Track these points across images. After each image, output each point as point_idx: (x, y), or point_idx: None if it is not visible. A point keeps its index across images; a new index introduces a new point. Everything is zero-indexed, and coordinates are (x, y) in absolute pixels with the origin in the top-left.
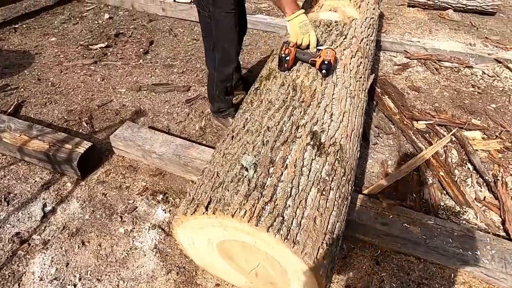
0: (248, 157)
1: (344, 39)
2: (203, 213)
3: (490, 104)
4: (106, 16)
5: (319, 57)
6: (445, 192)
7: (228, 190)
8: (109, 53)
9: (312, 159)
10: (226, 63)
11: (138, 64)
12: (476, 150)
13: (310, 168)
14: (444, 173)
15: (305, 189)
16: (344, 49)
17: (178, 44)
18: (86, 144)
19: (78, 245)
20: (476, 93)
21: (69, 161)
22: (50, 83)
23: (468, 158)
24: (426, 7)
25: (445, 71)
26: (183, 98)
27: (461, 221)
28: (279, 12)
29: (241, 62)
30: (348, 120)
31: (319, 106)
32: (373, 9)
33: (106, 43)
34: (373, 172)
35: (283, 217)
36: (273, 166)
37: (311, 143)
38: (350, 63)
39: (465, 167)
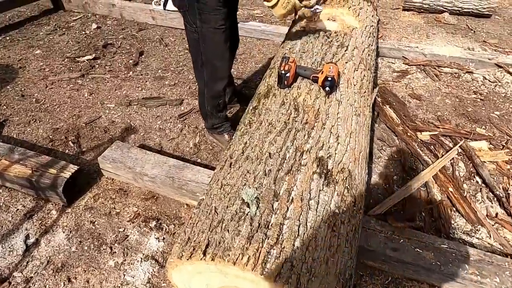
0: (249, 190)
1: (345, 51)
2: (201, 259)
3: (494, 112)
4: (94, 26)
5: (322, 73)
6: (455, 209)
7: (228, 230)
8: (97, 66)
9: (320, 190)
10: (217, 80)
11: (127, 76)
12: (484, 162)
13: (318, 201)
14: (453, 188)
15: (314, 226)
16: (346, 62)
17: (169, 54)
18: (72, 168)
19: (64, 282)
20: (478, 100)
21: (54, 187)
22: (34, 100)
23: (476, 170)
24: (422, 10)
25: (445, 77)
26: (175, 113)
27: (473, 241)
28: (272, 19)
29: (234, 72)
30: (356, 141)
31: (324, 128)
32: (372, 16)
33: (93, 55)
34: (378, 189)
35: (292, 263)
36: (277, 201)
37: (318, 171)
38: (353, 77)
39: (473, 180)
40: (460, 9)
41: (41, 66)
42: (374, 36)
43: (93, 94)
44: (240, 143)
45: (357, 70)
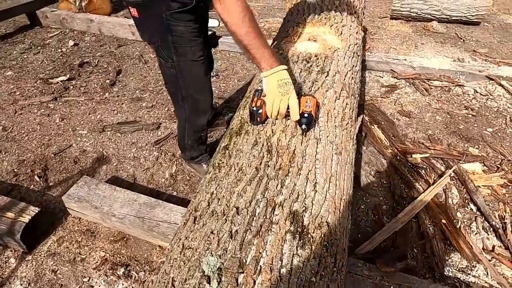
0: (211, 259)
1: (326, 77)
2: None
3: (486, 128)
4: (71, 43)
5: None
6: (449, 242)
7: None
8: (72, 87)
9: (294, 254)
10: (200, 114)
11: (103, 98)
12: (478, 186)
13: (291, 269)
14: (446, 220)
15: None
16: (326, 91)
17: (148, 72)
18: (33, 211)
19: None
20: (470, 115)
21: (12, 234)
22: (1, 127)
23: (470, 197)
24: (410, 19)
25: (435, 91)
26: (152, 138)
27: (470, 279)
28: None
29: (216, 91)
30: (336, 186)
31: (300, 174)
32: (356, 33)
33: (68, 75)
34: (366, 220)
35: None
36: (243, 272)
37: (292, 229)
38: (334, 108)
39: (467, 208)
40: (448, 17)
41: (12, 89)
42: (359, 55)
43: (64, 120)
44: (207, 192)
45: (338, 99)
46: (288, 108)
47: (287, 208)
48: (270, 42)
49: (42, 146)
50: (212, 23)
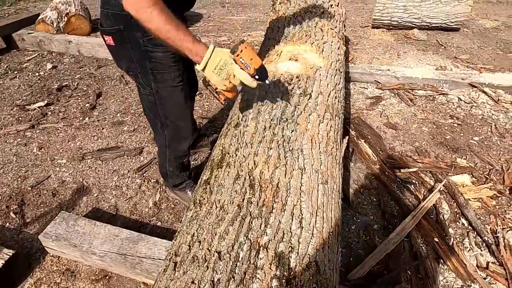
0: None
1: (308, 99)
2: None
3: (473, 137)
4: (49, 65)
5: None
6: (443, 261)
7: None
8: (50, 113)
9: None
10: (181, 140)
11: (82, 124)
12: (468, 199)
13: None
14: (438, 238)
15: None
16: (309, 114)
17: (129, 93)
18: (6, 254)
19: None
20: (456, 124)
21: None
22: None
23: (461, 211)
24: (391, 27)
25: (420, 100)
26: (134, 165)
27: None
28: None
29: (199, 111)
30: (323, 219)
31: (285, 210)
32: (338, 48)
33: (46, 101)
34: (358, 242)
35: None
36: None
37: (278, 274)
38: (318, 133)
39: (459, 222)
40: (428, 24)
41: None
42: (341, 72)
43: (42, 149)
44: (188, 233)
45: (322, 122)
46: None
47: (272, 250)
48: None
49: (19, 179)
50: None
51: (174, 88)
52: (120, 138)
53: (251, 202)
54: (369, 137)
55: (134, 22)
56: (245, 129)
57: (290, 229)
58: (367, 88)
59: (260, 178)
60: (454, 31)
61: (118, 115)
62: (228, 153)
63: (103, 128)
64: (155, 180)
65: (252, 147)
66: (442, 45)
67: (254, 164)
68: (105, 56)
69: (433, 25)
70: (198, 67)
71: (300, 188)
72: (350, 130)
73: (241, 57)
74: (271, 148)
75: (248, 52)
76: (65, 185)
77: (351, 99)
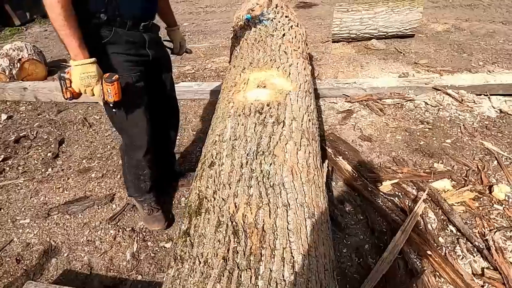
0: None
1: (282, 127)
2: None
3: (445, 140)
4: (3, 116)
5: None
6: (438, 274)
7: None
8: (8, 168)
9: None
10: (135, 148)
11: (45, 176)
12: (452, 205)
13: None
14: (430, 250)
15: None
16: (286, 144)
17: (94, 136)
18: None
19: None
20: (427, 129)
21: None
22: None
23: (447, 218)
24: (350, 40)
25: (389, 109)
26: (106, 214)
27: None
28: (205, 73)
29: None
30: (316, 257)
31: (274, 255)
32: (304, 69)
33: (3, 155)
34: (352, 266)
35: None
36: None
37: None
38: (297, 162)
39: (447, 230)
40: (385, 33)
41: None
42: (311, 92)
43: (2, 210)
44: None
45: (300, 150)
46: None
47: None
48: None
49: None
50: None
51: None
52: (88, 187)
53: (237, 252)
54: (346, 152)
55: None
56: (221, 168)
57: (283, 277)
58: (336, 103)
59: (244, 222)
60: (410, 38)
61: (84, 161)
62: (206, 198)
63: (68, 178)
64: (130, 228)
65: (230, 187)
66: (401, 52)
67: (235, 207)
68: (65, 100)
69: (390, 33)
70: (70, 62)
71: (288, 228)
72: (327, 148)
73: (109, 88)
74: (251, 187)
75: (117, 88)
76: (30, 248)
77: (323, 116)
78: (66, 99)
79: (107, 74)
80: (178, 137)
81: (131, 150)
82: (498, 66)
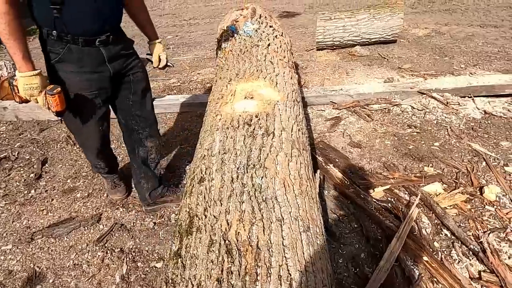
0: None
1: (272, 138)
2: None
3: (433, 143)
4: None
5: None
6: (436, 280)
7: None
8: None
9: None
10: (86, 151)
11: (28, 198)
12: (445, 208)
13: None
14: (426, 255)
15: None
16: (276, 155)
17: (79, 154)
18: None
19: None
20: (415, 133)
21: None
22: None
23: (441, 222)
24: (335, 47)
25: (377, 114)
26: (93, 236)
27: None
28: (191, 86)
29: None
30: (314, 273)
31: (271, 274)
32: (291, 78)
33: None
34: (349, 277)
35: None
36: None
37: None
38: (289, 174)
39: (442, 234)
40: (368, 40)
41: None
42: (299, 101)
43: None
44: None
45: (291, 161)
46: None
47: None
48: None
49: None
50: None
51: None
52: (73, 207)
53: (232, 273)
54: (337, 160)
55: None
56: (211, 183)
57: None
58: (324, 110)
59: (237, 240)
60: (392, 43)
61: (69, 181)
62: (197, 215)
63: (52, 199)
64: (119, 249)
65: (222, 204)
66: (385, 58)
67: (228, 224)
68: (47, 118)
69: (373, 40)
70: (16, 72)
71: (283, 243)
72: (317, 156)
73: (51, 99)
74: (243, 202)
75: (58, 100)
76: (13, 276)
77: (311, 124)
78: (17, 102)
79: (51, 86)
80: (166, 152)
81: (84, 149)
82: (479, 68)
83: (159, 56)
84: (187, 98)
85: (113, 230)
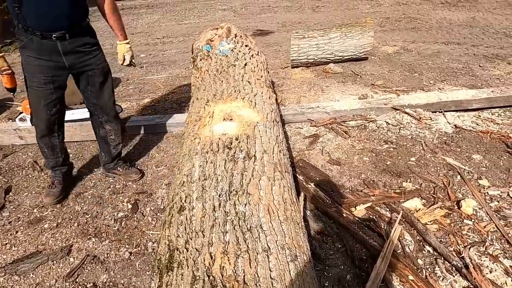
0: None
1: (254, 162)
2: None
3: (410, 159)
4: None
5: None
6: None
7: None
8: None
9: None
10: (36, 127)
11: None
12: (426, 224)
13: None
14: (412, 274)
15: None
16: (259, 180)
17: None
18: None
19: None
20: (391, 149)
21: None
22: None
23: (423, 238)
24: (309, 65)
25: (353, 131)
26: (63, 270)
27: None
28: (166, 105)
29: (133, 186)
30: None
31: None
32: (269, 98)
33: None
34: None
35: None
36: None
37: None
38: (273, 199)
39: (425, 251)
40: (341, 57)
41: None
42: (278, 121)
43: None
44: None
45: (274, 185)
46: None
47: None
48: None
49: None
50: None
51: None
52: (40, 240)
53: None
54: (317, 178)
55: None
56: (191, 213)
57: None
58: (302, 128)
59: (222, 276)
60: (364, 60)
61: (35, 210)
62: (177, 249)
63: (17, 232)
64: (92, 284)
65: (204, 235)
66: (358, 75)
67: (211, 257)
68: (11, 142)
69: (345, 57)
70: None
71: (271, 276)
72: (298, 175)
73: (2, 78)
74: (226, 232)
75: (7, 79)
76: None
77: (290, 142)
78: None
79: (5, 67)
80: (141, 175)
81: (35, 128)
82: (446, 83)
83: (124, 56)
84: (163, 118)
85: (85, 263)
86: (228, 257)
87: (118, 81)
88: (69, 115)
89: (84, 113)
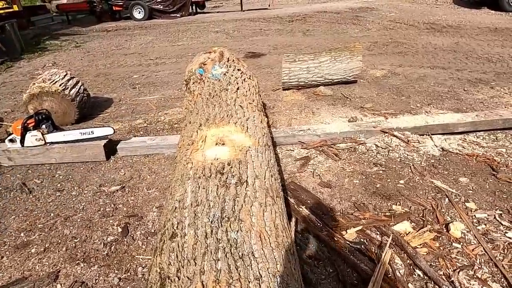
0: None
1: (246, 187)
2: None
3: (399, 181)
4: None
5: None
6: None
7: None
8: None
9: None
10: None
11: None
12: (416, 247)
13: None
14: None
15: None
16: (251, 206)
17: (35, 203)
18: None
19: None
20: (381, 171)
21: None
22: None
23: (413, 262)
24: (300, 87)
25: (344, 153)
26: None
27: None
28: (158, 126)
29: (124, 208)
30: None
31: None
32: (261, 122)
33: None
34: None
35: None
36: None
37: None
38: (265, 226)
39: (415, 275)
40: (331, 80)
41: None
42: (270, 145)
43: None
44: None
45: (266, 211)
46: None
47: None
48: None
49: None
50: (106, 131)
51: None
52: (27, 265)
53: None
54: (309, 201)
55: None
56: (183, 239)
57: None
58: (293, 150)
59: None
60: (353, 83)
61: (22, 234)
62: (169, 277)
63: (2, 257)
64: None
65: (196, 263)
66: (347, 97)
67: (203, 286)
68: (0, 163)
69: (335, 80)
70: None
71: None
72: (289, 198)
73: None
74: (218, 260)
75: None
76: None
77: (281, 164)
78: None
79: None
80: (132, 199)
81: None
82: (433, 107)
83: None
84: (155, 139)
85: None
86: (220, 286)
87: (110, 102)
88: (60, 136)
89: (75, 135)
